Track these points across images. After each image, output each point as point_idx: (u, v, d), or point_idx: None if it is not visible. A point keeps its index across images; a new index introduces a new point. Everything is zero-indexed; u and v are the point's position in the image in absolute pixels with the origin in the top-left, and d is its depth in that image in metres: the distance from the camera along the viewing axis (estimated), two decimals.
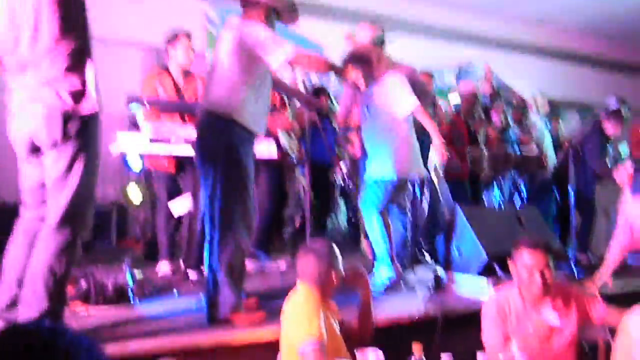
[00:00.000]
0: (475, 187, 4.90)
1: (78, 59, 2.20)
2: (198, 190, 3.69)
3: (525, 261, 2.34)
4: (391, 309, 3.05)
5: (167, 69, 4.03)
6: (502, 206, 4.73)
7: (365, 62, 3.48)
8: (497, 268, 3.31)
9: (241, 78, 2.75)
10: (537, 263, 2.32)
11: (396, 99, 3.50)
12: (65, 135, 2.16)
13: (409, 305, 3.13)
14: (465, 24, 8.39)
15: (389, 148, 3.48)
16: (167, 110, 3.70)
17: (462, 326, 3.04)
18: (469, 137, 4.90)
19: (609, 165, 4.85)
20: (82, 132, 2.21)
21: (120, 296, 2.94)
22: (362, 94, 3.63)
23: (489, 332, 2.40)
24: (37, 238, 2.22)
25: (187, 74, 4.03)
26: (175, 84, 4.01)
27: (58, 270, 2.18)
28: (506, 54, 8.75)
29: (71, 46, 2.18)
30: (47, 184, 2.23)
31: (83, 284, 2.87)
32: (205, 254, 2.78)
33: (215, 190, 2.70)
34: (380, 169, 3.49)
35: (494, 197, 4.97)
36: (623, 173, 4.41)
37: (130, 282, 3.01)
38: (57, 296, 2.22)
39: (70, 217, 2.20)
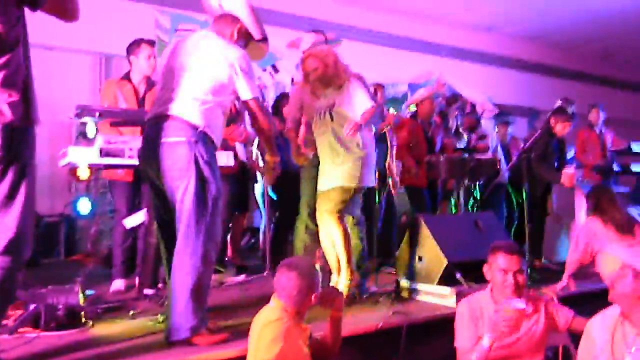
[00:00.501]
0: (432, 193, 4.94)
1: (15, 70, 2.05)
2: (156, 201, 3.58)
3: (501, 265, 2.41)
4: (355, 320, 3.01)
5: (128, 78, 3.92)
6: (459, 212, 4.78)
7: (324, 65, 3.44)
8: (458, 275, 3.32)
9: (215, 92, 2.67)
10: (512, 267, 2.39)
11: (358, 103, 3.46)
12: (8, 152, 2.00)
13: (373, 315, 3.11)
14: (415, 31, 8.52)
15: (353, 155, 3.42)
16: (125, 120, 3.57)
17: (427, 335, 3.06)
18: (426, 143, 4.94)
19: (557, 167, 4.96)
20: (24, 147, 2.05)
21: (72, 318, 2.79)
22: (319, 100, 3.58)
23: (461, 334, 2.45)
24: None
25: (150, 82, 3.92)
26: (137, 93, 3.90)
27: (4, 294, 2.04)
28: (455, 60, 8.94)
29: (8, 56, 2.03)
30: None
31: (32, 307, 2.70)
32: (170, 271, 2.66)
33: (185, 203, 2.58)
34: (344, 176, 3.42)
35: (450, 203, 5.03)
36: (567, 178, 4.60)
37: (83, 303, 2.86)
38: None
39: (17, 243, 2.03)
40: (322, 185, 3.52)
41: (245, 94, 2.72)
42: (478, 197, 4.93)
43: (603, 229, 3.74)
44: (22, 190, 2.04)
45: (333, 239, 3.44)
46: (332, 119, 3.47)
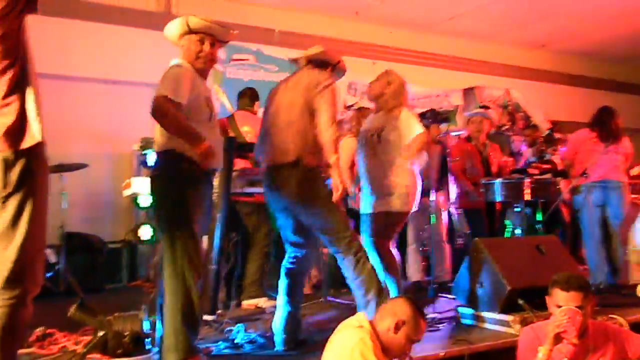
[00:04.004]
0: (490, 216, 4.83)
1: (15, 88, 1.96)
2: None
3: (557, 301, 2.34)
4: (415, 346, 2.95)
5: None
6: (520, 235, 4.65)
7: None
8: (521, 302, 3.21)
9: None
10: (568, 304, 2.30)
11: (409, 127, 3.44)
12: (8, 184, 1.92)
13: (434, 343, 3.05)
14: (469, 51, 8.46)
15: (405, 179, 3.41)
16: None
17: None
18: (482, 165, 4.85)
19: None
20: (26, 175, 1.94)
21: (138, 345, 2.87)
22: (369, 121, 3.59)
23: (522, 359, 2.42)
24: None
25: None
26: None
27: (10, 333, 1.93)
28: (510, 78, 8.79)
29: (8, 75, 1.94)
30: None
31: (100, 334, 2.79)
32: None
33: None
34: (387, 200, 3.40)
35: (510, 225, 4.90)
36: None
37: (147, 330, 2.93)
38: None
39: (19, 275, 1.92)
40: (365, 208, 3.52)
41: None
42: (539, 219, 4.78)
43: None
44: (25, 218, 1.94)
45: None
46: (379, 142, 3.47)
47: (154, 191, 2.77)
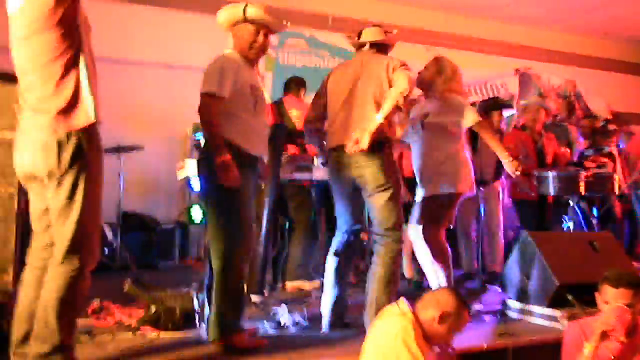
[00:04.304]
0: (543, 209, 4.71)
1: (71, 70, 2.06)
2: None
3: (606, 297, 2.30)
4: (458, 338, 2.94)
5: None
6: (573, 230, 4.53)
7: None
8: (570, 297, 3.14)
9: None
10: (617, 301, 2.26)
11: (458, 114, 3.41)
12: (61, 163, 2.04)
13: (477, 335, 3.02)
14: (530, 38, 8.22)
15: (450, 162, 3.38)
16: None
17: (535, 359, 2.92)
18: (536, 155, 4.73)
19: None
20: (79, 154, 2.06)
21: (187, 320, 2.99)
22: (420, 104, 3.59)
23: (567, 354, 2.38)
24: (46, 270, 2.12)
25: None
26: None
27: (69, 303, 2.08)
28: (572, 67, 8.50)
29: (65, 58, 2.05)
30: (50, 216, 2.11)
31: (153, 309, 2.93)
32: None
33: None
34: (434, 184, 3.39)
35: (564, 220, 4.77)
36: None
37: (197, 307, 3.05)
38: (68, 329, 2.11)
39: (76, 248, 2.08)
40: (416, 196, 3.52)
41: None
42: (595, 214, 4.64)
43: None
44: (79, 195, 2.06)
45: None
46: (423, 128, 3.45)
47: (200, 174, 2.86)
